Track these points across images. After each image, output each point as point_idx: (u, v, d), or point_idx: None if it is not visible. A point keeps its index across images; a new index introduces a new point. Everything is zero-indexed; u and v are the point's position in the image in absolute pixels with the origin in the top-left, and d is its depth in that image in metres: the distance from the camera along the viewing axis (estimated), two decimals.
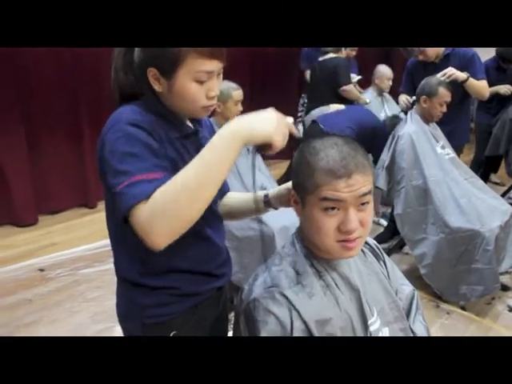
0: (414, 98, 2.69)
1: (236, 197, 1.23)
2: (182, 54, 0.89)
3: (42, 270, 2.94)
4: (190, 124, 1.05)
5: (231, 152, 0.81)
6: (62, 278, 2.86)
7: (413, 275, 2.59)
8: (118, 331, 2.26)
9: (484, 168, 3.77)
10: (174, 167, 0.94)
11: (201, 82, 0.93)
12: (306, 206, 0.88)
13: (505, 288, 2.60)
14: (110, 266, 3.34)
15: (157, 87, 0.95)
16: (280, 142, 0.85)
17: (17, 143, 3.42)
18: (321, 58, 3.68)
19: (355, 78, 4.13)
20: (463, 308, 2.46)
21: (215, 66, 0.93)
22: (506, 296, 2.59)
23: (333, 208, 0.84)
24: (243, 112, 2.50)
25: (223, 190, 1.21)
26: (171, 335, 1.06)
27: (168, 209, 0.78)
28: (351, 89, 3.55)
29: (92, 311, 2.49)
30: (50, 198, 3.74)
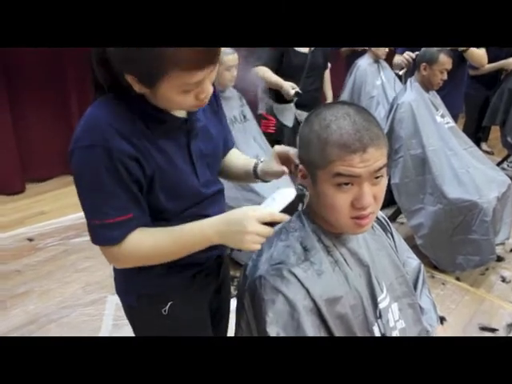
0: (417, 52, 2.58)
1: (235, 160, 1.16)
2: (163, 69, 0.76)
3: (30, 240, 2.87)
4: (178, 113, 0.94)
5: (201, 246, 0.90)
6: (51, 247, 2.80)
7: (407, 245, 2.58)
8: (110, 301, 2.25)
9: (476, 138, 3.74)
10: (161, 171, 0.88)
11: (188, 91, 0.81)
12: (317, 181, 0.82)
13: (499, 259, 2.60)
14: None
15: (137, 89, 0.82)
16: (253, 246, 0.82)
17: (0, 110, 3.27)
18: None
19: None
20: (458, 278, 2.47)
21: (205, 74, 0.80)
22: (500, 267, 2.60)
23: (346, 184, 0.78)
24: None
25: (227, 146, 1.14)
26: (168, 305, 1.03)
27: (135, 256, 0.91)
28: (257, 70, 2.99)
29: (84, 281, 2.45)
30: (37, 166, 3.63)
